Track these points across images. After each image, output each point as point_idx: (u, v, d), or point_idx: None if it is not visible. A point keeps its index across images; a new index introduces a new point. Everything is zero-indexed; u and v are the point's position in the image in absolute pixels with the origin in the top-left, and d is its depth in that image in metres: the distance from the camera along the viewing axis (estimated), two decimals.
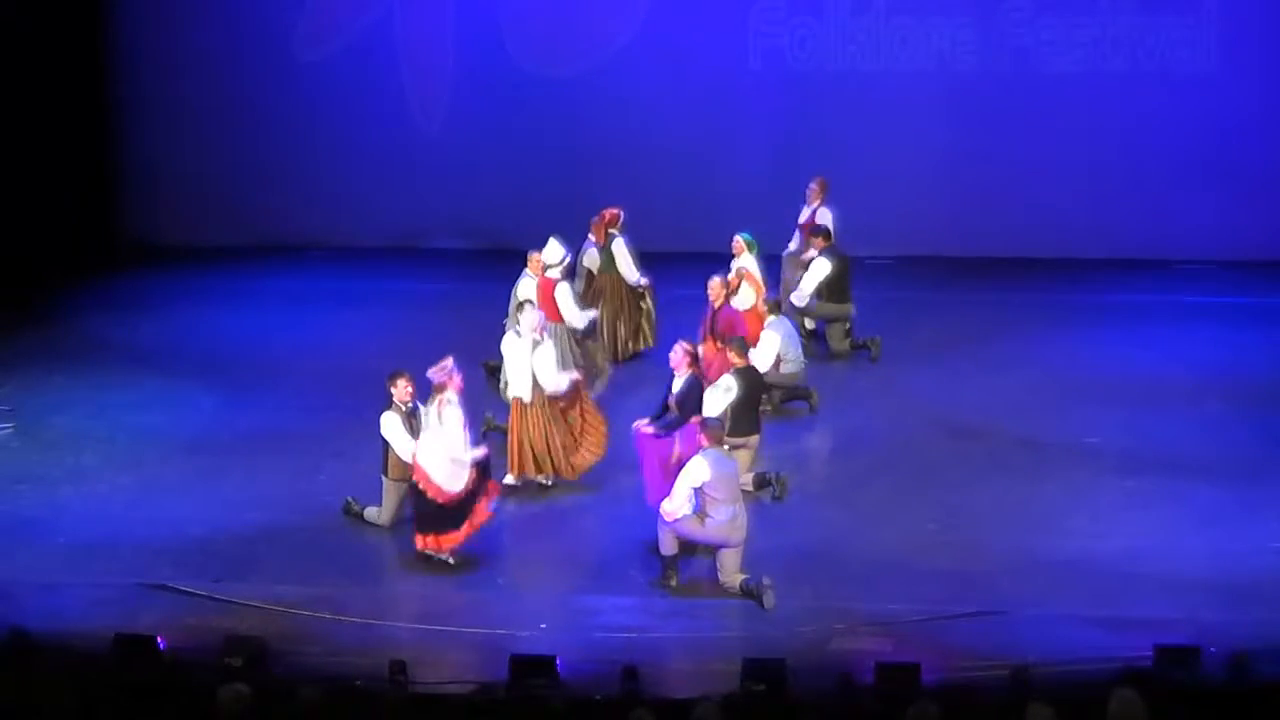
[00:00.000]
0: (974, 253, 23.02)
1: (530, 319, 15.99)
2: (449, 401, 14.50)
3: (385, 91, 23.83)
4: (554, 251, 17.80)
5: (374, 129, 23.91)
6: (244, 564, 14.67)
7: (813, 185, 20.03)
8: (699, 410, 15.16)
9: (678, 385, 15.32)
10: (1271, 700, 11.04)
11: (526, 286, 17.67)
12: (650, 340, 19.08)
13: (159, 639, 12.10)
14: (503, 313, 17.84)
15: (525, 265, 17.91)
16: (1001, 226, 23.15)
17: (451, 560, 14.58)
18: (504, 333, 16.47)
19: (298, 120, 24.01)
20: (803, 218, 20.01)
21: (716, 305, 17.33)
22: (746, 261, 18.25)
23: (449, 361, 14.62)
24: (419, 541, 14.58)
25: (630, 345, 19.08)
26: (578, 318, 17.62)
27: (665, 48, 23.46)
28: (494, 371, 16.72)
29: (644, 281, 19.08)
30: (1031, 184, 23.16)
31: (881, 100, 23.22)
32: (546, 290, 17.53)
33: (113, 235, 24.22)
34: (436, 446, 14.49)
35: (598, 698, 11.27)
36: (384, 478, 15.13)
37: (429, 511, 14.49)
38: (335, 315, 21.32)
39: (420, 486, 14.50)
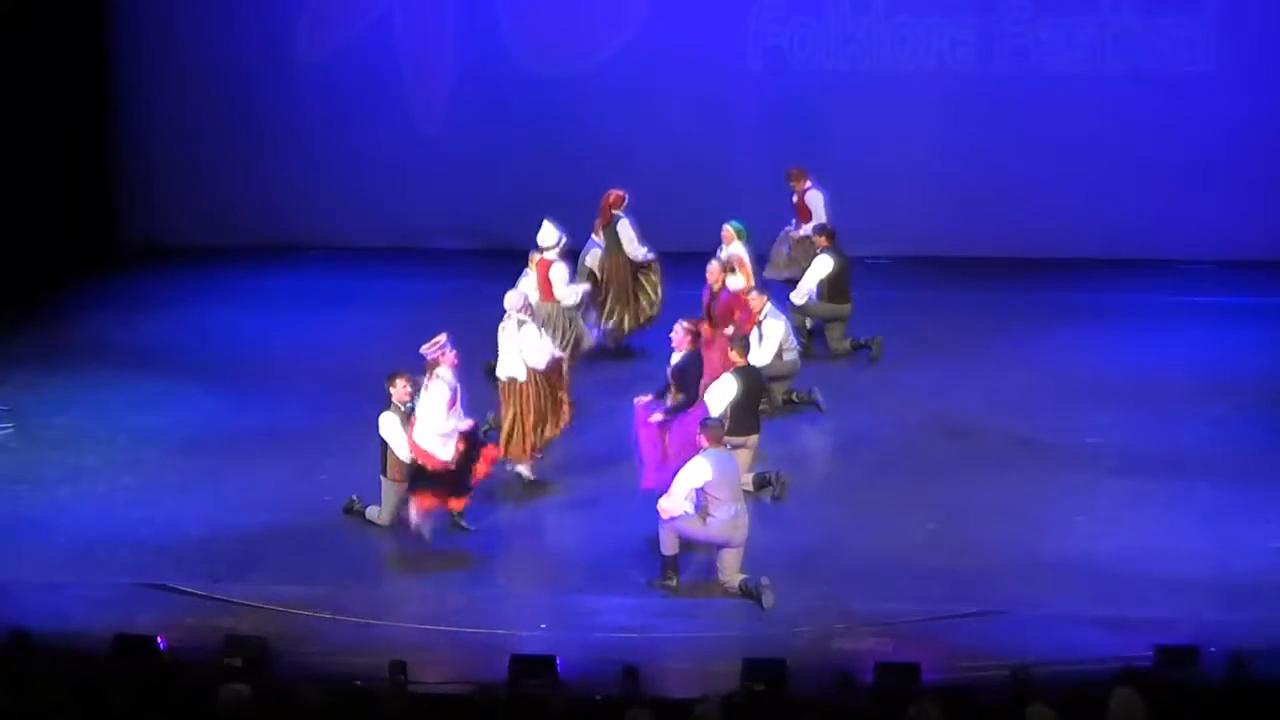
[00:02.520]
0: (974, 253, 23.00)
1: (513, 299, 16.11)
2: (438, 376, 14.63)
3: (385, 91, 23.82)
4: (549, 234, 17.88)
5: (374, 129, 23.89)
6: (244, 564, 14.67)
7: (791, 172, 20.08)
8: (698, 385, 15.20)
9: (676, 359, 15.39)
10: (1271, 700, 11.04)
11: (528, 286, 17.71)
12: (654, 310, 19.19)
13: (159, 639, 12.11)
14: (503, 313, 17.81)
15: (526, 265, 17.94)
16: (1001, 226, 23.12)
17: (467, 525, 14.89)
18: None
19: (298, 120, 23.99)
20: (796, 199, 20.13)
21: (715, 289, 17.45)
22: (737, 249, 18.35)
23: (442, 337, 14.79)
24: (416, 503, 14.70)
25: (634, 322, 19.25)
26: (569, 294, 17.73)
27: (665, 48, 23.45)
28: (493, 371, 16.73)
29: (650, 256, 19.25)
30: (1031, 184, 23.14)
31: (882, 100, 23.21)
32: (542, 270, 17.69)
33: (113, 235, 24.21)
34: (422, 419, 14.59)
35: (598, 698, 11.27)
36: (383, 478, 15.14)
37: (423, 476, 14.63)
38: (335, 315, 21.31)
39: (414, 456, 14.64)
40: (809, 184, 20.11)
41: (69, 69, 23.10)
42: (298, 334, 20.67)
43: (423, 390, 14.74)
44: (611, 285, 19.16)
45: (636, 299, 19.25)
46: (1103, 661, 12.19)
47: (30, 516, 15.62)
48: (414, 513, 14.74)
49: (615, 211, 19.20)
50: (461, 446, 14.69)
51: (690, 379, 15.30)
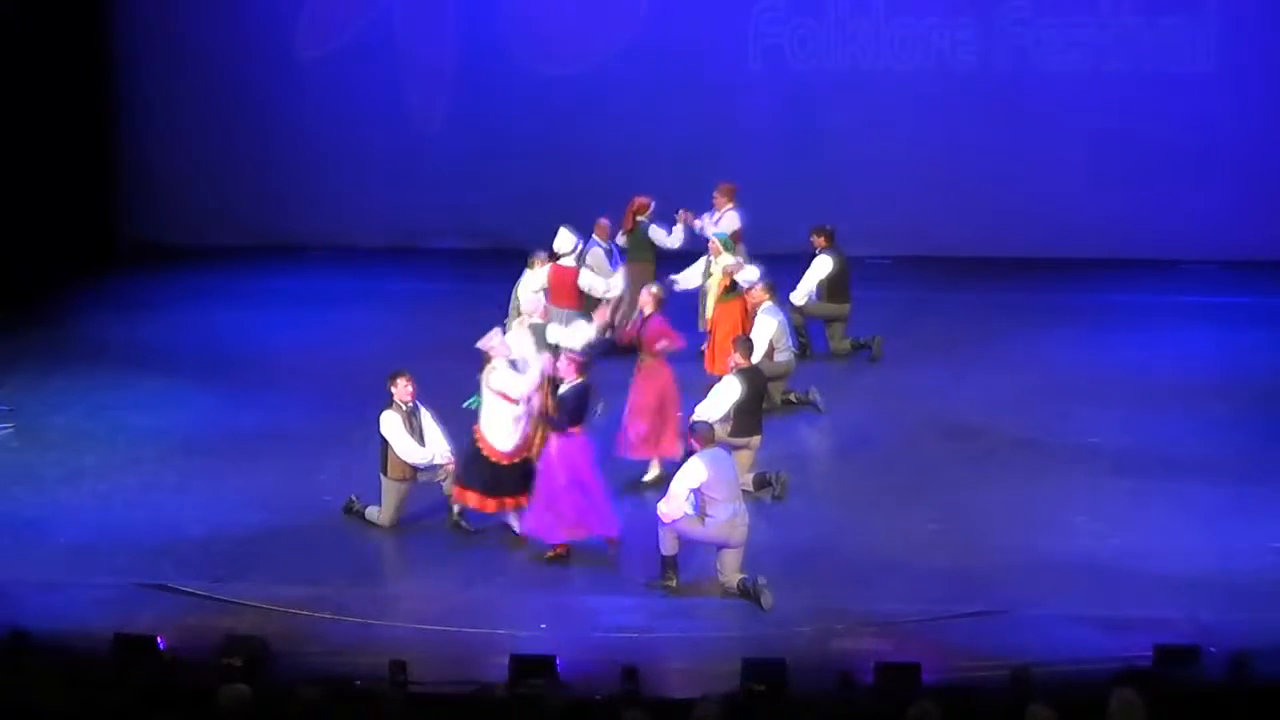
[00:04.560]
0: (974, 253, 23.04)
1: (531, 302, 16.16)
2: (495, 368, 14.70)
3: (385, 91, 23.84)
4: (565, 240, 17.87)
5: (374, 129, 23.92)
6: (244, 564, 14.66)
7: (717, 194, 19.63)
8: (577, 413, 14.74)
9: (563, 388, 14.78)
10: (1271, 700, 11.04)
11: (528, 286, 17.71)
12: None
13: (159, 639, 12.10)
14: (503, 312, 17.85)
15: (525, 265, 17.94)
16: (1001, 226, 23.16)
17: (467, 526, 14.93)
18: (504, 332, 16.46)
19: (298, 120, 24.02)
20: (712, 219, 19.51)
21: (647, 314, 16.47)
22: (728, 260, 18.32)
23: (496, 332, 14.91)
24: (460, 495, 14.83)
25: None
26: (610, 285, 17.80)
27: (665, 48, 23.47)
28: None
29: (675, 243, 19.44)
30: (1031, 184, 23.18)
31: (881, 100, 23.24)
32: (562, 279, 17.60)
33: (113, 235, 24.24)
34: (491, 409, 14.69)
35: (597, 698, 11.27)
36: (383, 477, 15.14)
37: (483, 471, 14.70)
38: (335, 315, 21.32)
39: (480, 448, 14.71)
40: (731, 205, 19.65)
41: (69, 69, 23.12)
42: (298, 334, 20.68)
43: (490, 370, 14.71)
44: (630, 291, 19.16)
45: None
46: (1103, 661, 12.18)
47: (30, 516, 15.61)
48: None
49: (640, 218, 19.29)
50: (520, 456, 14.72)
51: (570, 407, 14.70)
